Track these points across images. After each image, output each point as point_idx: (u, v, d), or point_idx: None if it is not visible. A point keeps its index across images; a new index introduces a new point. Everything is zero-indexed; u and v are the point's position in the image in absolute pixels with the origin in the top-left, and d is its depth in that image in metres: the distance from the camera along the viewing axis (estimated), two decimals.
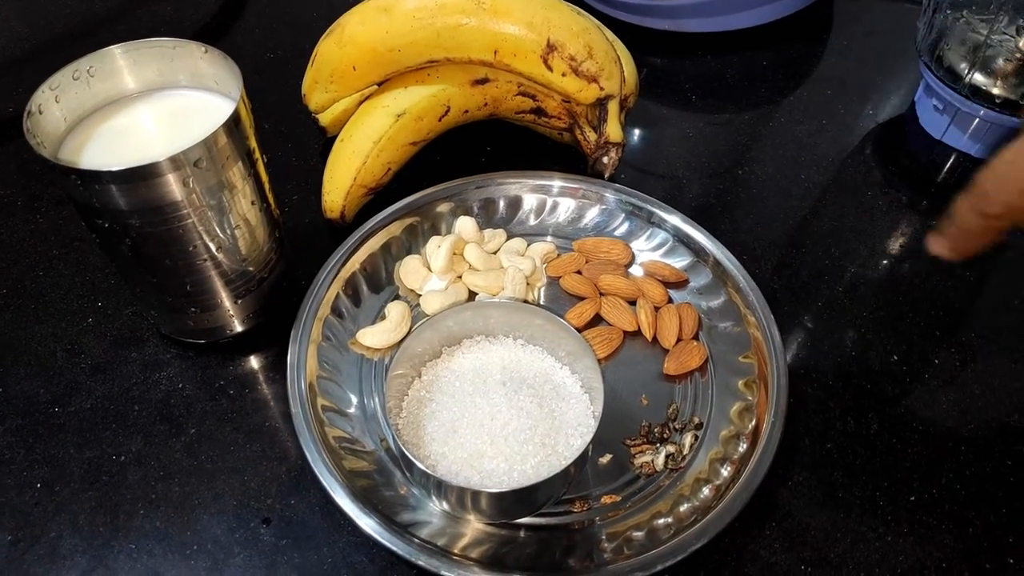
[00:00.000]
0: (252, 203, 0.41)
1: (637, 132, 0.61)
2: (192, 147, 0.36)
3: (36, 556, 0.38)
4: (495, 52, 0.48)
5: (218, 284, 0.42)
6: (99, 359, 0.46)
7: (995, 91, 0.53)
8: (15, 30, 0.70)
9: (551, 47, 0.48)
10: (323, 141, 0.58)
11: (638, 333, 0.47)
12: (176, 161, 0.35)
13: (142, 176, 0.35)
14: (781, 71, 0.67)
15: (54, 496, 0.40)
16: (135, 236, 0.38)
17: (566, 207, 0.52)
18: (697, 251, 0.49)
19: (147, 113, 0.41)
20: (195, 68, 0.41)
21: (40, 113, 0.37)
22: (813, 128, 0.61)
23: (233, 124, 0.37)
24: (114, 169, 0.34)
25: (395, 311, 0.46)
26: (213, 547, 0.39)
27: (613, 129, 0.51)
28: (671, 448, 0.41)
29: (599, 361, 0.44)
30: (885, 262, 0.52)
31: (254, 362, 0.46)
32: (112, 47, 0.40)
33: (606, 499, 0.40)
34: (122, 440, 0.42)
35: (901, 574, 0.38)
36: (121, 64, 0.40)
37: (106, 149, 0.39)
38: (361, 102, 0.53)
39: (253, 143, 0.40)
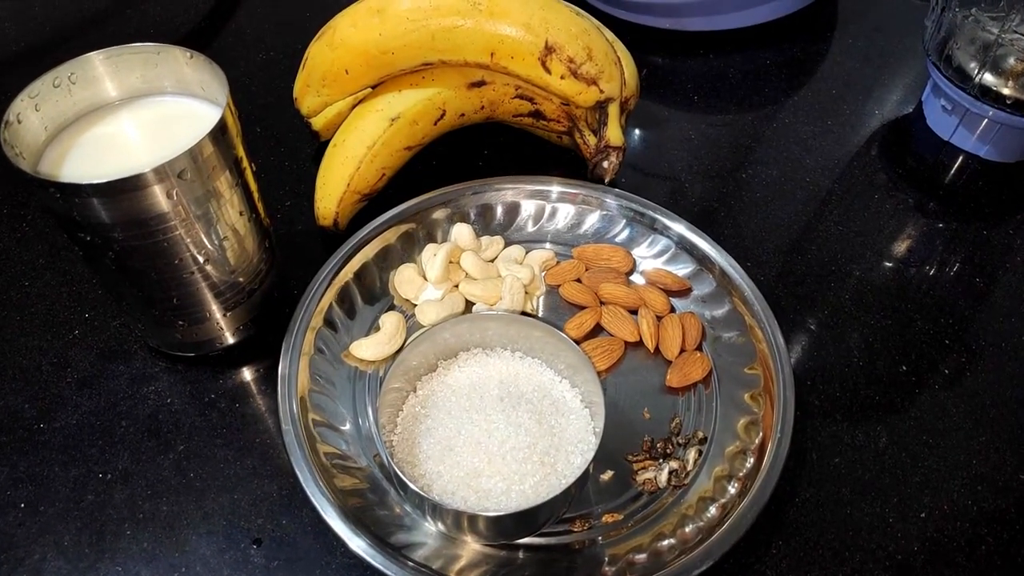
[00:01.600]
0: (240, 213, 0.40)
1: (638, 134, 0.60)
2: (177, 157, 0.34)
3: None
4: (491, 54, 0.47)
5: (207, 296, 0.41)
6: (85, 373, 0.45)
7: (1005, 91, 0.52)
8: (4, 32, 0.69)
9: (549, 49, 0.46)
10: (316, 146, 0.57)
11: (640, 344, 0.45)
12: (160, 172, 0.34)
13: (125, 188, 0.34)
14: (785, 70, 0.65)
15: (38, 516, 0.39)
16: (119, 249, 0.36)
17: (565, 213, 0.51)
18: (700, 259, 0.47)
19: (130, 121, 0.40)
20: (180, 74, 0.40)
21: (19, 123, 0.36)
22: (818, 129, 0.60)
23: (219, 132, 0.36)
24: (96, 182, 0.33)
25: (390, 322, 0.45)
26: (202, 569, 0.37)
27: (613, 132, 0.50)
28: (674, 464, 0.40)
29: (600, 374, 0.43)
30: (892, 267, 0.51)
31: (245, 375, 0.45)
32: (93, 53, 0.38)
33: (608, 518, 0.38)
34: (108, 457, 0.41)
35: None
36: (103, 71, 0.39)
37: (88, 159, 0.38)
38: (354, 106, 0.52)
39: (241, 151, 0.39)
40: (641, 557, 0.36)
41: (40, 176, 0.34)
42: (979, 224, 0.54)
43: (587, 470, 0.36)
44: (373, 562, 0.35)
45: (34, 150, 0.37)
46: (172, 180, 0.35)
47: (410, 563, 0.35)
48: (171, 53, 0.39)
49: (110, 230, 0.35)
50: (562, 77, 0.47)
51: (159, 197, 0.35)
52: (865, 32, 0.69)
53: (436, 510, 0.35)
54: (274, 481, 0.41)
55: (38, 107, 0.37)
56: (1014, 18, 0.49)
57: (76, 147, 0.38)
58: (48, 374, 0.45)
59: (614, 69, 0.48)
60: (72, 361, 0.45)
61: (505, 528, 0.36)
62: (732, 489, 0.38)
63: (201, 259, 0.39)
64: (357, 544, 0.35)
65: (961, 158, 0.57)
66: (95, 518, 0.39)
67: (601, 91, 0.48)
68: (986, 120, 0.54)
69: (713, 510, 0.38)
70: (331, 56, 0.48)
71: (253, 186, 0.41)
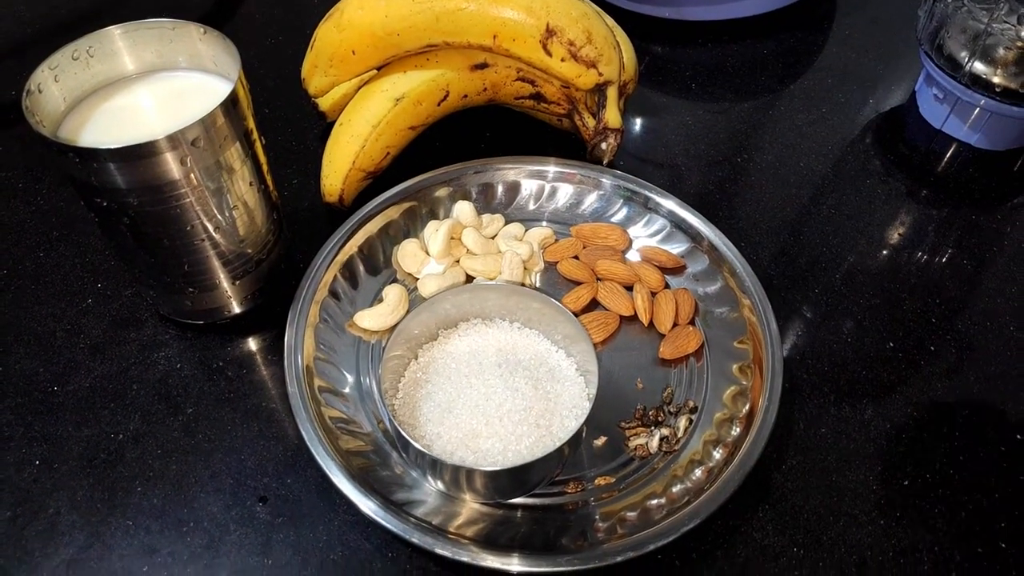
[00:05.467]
0: (250, 184, 0.41)
1: (637, 120, 0.61)
2: (190, 126, 0.36)
3: (35, 531, 0.39)
4: (494, 37, 0.48)
5: (216, 264, 0.42)
6: (98, 339, 0.46)
7: (995, 80, 0.53)
8: (19, 14, 0.70)
9: (550, 32, 0.48)
10: (323, 126, 0.58)
11: (634, 318, 0.47)
12: (173, 140, 0.35)
13: (140, 154, 0.35)
14: (782, 60, 0.66)
15: (52, 473, 0.41)
16: (133, 215, 0.38)
17: (564, 193, 0.52)
18: (694, 236, 0.49)
19: (146, 94, 0.41)
20: (194, 49, 0.41)
21: (39, 92, 0.38)
22: (813, 117, 0.61)
23: (231, 104, 0.38)
24: (112, 147, 0.34)
25: (392, 294, 0.46)
26: (209, 524, 0.39)
27: (612, 115, 0.51)
28: (665, 431, 0.41)
29: (595, 346, 0.44)
30: (883, 250, 0.52)
31: (252, 344, 0.46)
32: (111, 28, 0.40)
33: (600, 480, 0.40)
34: (120, 419, 0.43)
35: (893, 557, 0.38)
36: (120, 45, 0.41)
37: (105, 129, 0.39)
38: (360, 87, 0.53)
39: (251, 124, 0.40)
40: (631, 515, 0.38)
41: (60, 141, 0.36)
42: (969, 210, 0.55)
43: (580, 431, 0.38)
44: (376, 517, 0.36)
45: (53, 119, 0.39)
46: (185, 148, 0.36)
47: (412, 519, 0.37)
48: (185, 29, 0.41)
49: (125, 195, 0.37)
50: (562, 60, 0.49)
51: (172, 164, 0.36)
52: (861, 24, 0.70)
53: (436, 467, 0.37)
54: (279, 443, 0.42)
55: (57, 78, 0.39)
56: (1003, 7, 0.51)
57: (93, 117, 0.40)
58: (62, 340, 0.46)
59: (613, 53, 0.50)
60: (85, 328, 0.47)
61: (501, 485, 0.37)
62: (719, 454, 0.40)
63: (211, 227, 0.40)
64: (361, 501, 0.37)
65: (953, 146, 0.59)
66: (107, 475, 0.41)
67: (600, 74, 0.49)
68: (977, 109, 0.56)
69: (700, 473, 0.39)
70: (338, 37, 0.49)
71: (262, 158, 0.42)
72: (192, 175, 0.37)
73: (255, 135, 0.41)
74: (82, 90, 0.40)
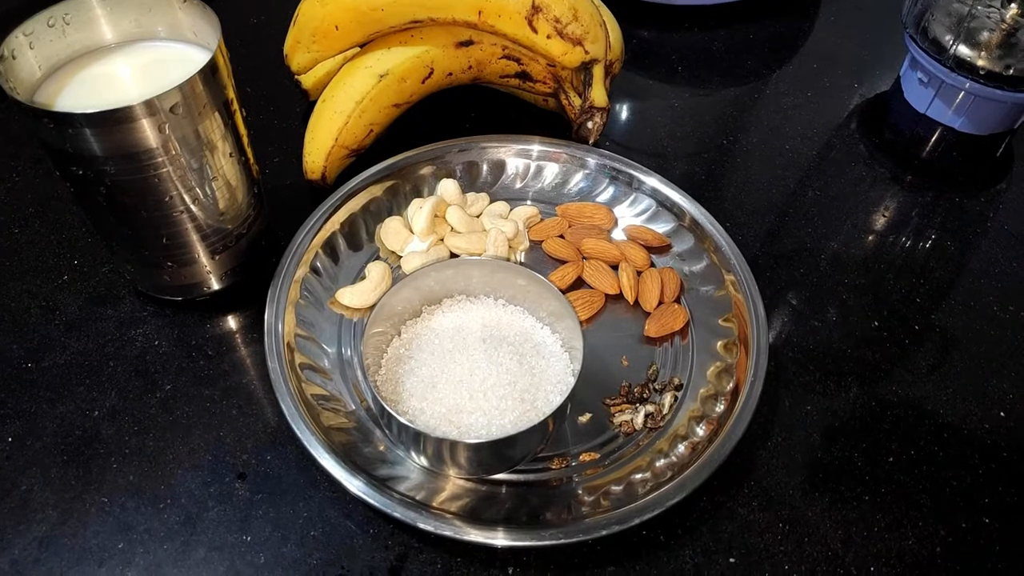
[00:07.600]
0: (230, 155, 0.40)
1: (623, 103, 0.61)
2: (168, 92, 0.35)
3: (6, 509, 0.38)
4: (479, 13, 0.48)
5: (194, 238, 0.41)
6: (74, 316, 0.45)
7: (979, 63, 0.53)
8: None
9: (536, 8, 0.47)
10: (305, 105, 0.58)
11: (620, 296, 0.46)
12: (151, 106, 0.35)
13: (116, 120, 0.34)
14: (768, 45, 0.66)
15: (25, 450, 0.40)
16: (110, 184, 0.37)
17: (550, 172, 0.52)
18: (679, 215, 0.48)
19: (124, 64, 0.40)
20: (173, 19, 0.41)
21: (13, 58, 0.37)
22: (799, 101, 0.61)
23: (210, 72, 0.37)
24: (88, 112, 0.34)
25: (376, 271, 0.46)
26: (187, 501, 0.38)
27: (598, 94, 0.51)
28: (650, 408, 0.41)
29: (581, 322, 0.44)
30: (868, 233, 0.52)
31: (231, 321, 0.45)
32: None
33: (585, 456, 0.40)
34: (96, 395, 0.42)
35: (878, 532, 0.38)
36: (98, 13, 0.40)
37: (82, 97, 0.38)
38: (343, 64, 0.52)
39: (231, 94, 0.39)
40: (616, 489, 0.37)
41: (35, 105, 0.35)
42: (952, 194, 0.55)
43: (565, 406, 0.37)
44: (357, 491, 0.36)
45: (28, 87, 0.38)
46: (163, 115, 0.35)
47: (395, 494, 0.36)
48: None
49: (102, 163, 0.36)
50: (548, 37, 0.48)
51: (149, 131, 0.36)
52: (847, 10, 0.70)
53: (419, 441, 0.36)
54: (258, 421, 0.41)
55: (32, 45, 0.38)
56: None
57: (70, 86, 0.39)
58: (37, 317, 0.45)
59: (599, 31, 0.49)
60: (61, 305, 0.46)
61: (484, 458, 0.37)
62: (703, 430, 0.39)
63: (190, 199, 0.39)
64: (341, 474, 0.36)
65: (937, 130, 0.59)
66: (82, 452, 0.40)
67: (586, 52, 0.49)
68: (961, 92, 0.56)
69: (684, 448, 0.39)
70: (321, 12, 0.49)
71: (243, 130, 0.41)
72: (170, 143, 0.37)
73: (235, 106, 0.40)
74: (58, 58, 0.39)
